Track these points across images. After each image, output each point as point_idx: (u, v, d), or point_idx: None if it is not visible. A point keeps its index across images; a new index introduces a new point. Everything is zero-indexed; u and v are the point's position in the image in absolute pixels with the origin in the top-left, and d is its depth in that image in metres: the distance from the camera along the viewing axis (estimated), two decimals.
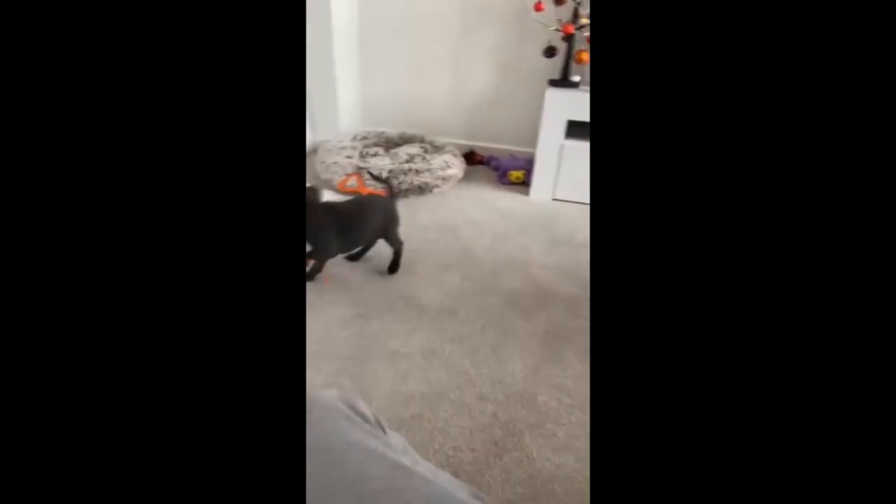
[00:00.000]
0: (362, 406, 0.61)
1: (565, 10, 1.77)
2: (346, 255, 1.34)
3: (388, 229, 1.29)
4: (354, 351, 1.00)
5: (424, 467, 0.54)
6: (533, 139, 1.92)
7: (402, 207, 1.75)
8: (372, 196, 1.33)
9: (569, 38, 1.76)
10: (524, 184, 2.00)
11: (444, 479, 0.49)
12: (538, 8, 1.73)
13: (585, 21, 1.71)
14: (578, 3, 1.72)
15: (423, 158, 1.99)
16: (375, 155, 2.01)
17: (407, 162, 1.94)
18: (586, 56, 1.71)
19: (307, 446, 0.49)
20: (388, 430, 0.63)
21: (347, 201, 1.28)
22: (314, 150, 2.36)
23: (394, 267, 1.31)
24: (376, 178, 1.47)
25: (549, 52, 1.81)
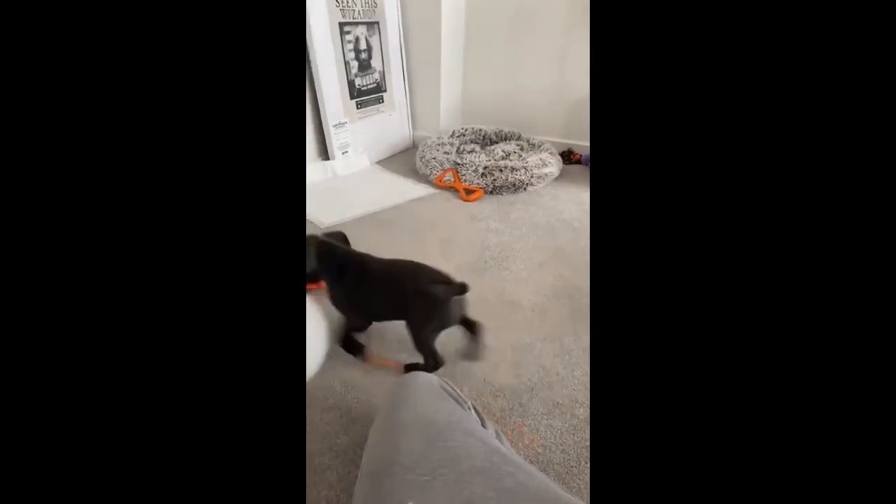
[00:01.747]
0: (459, 392, 0.64)
1: None
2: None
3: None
4: (446, 340, 1.03)
5: (518, 458, 0.55)
6: None
7: (496, 203, 1.75)
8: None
9: None
10: None
11: (538, 472, 0.49)
12: None
13: None
14: None
15: (519, 156, 1.98)
16: (472, 152, 2.05)
17: (503, 159, 1.94)
18: None
19: (411, 418, 0.53)
20: (484, 418, 0.64)
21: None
22: (414, 146, 2.47)
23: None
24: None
25: None
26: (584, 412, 0.84)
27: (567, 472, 0.73)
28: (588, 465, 0.74)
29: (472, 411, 0.63)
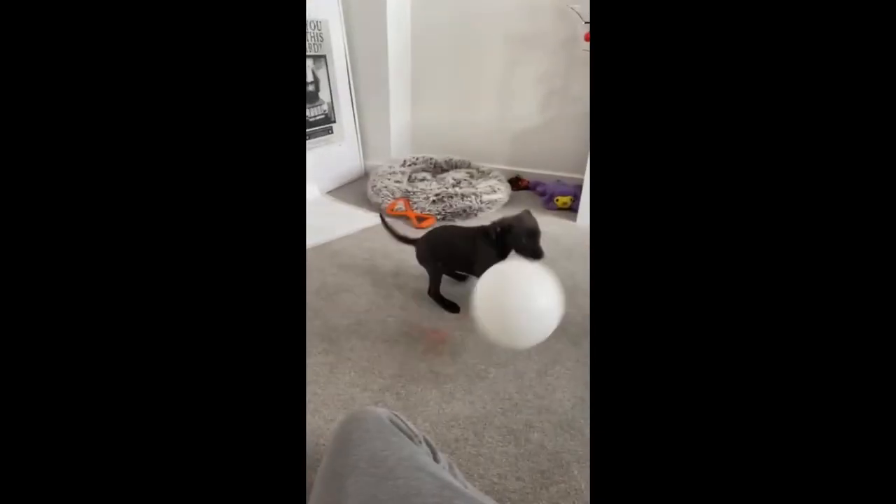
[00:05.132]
0: (410, 425, 0.62)
1: None
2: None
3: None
4: (400, 370, 1.01)
5: (472, 491, 0.54)
6: (580, 165, 1.91)
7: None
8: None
9: None
10: (571, 209, 1.98)
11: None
12: (588, 38, 1.76)
13: None
14: None
15: (469, 183, 2.03)
16: (423, 180, 2.07)
17: (453, 186, 1.98)
18: None
19: (359, 458, 0.51)
20: (437, 450, 0.63)
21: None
22: (366, 175, 2.47)
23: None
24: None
25: None
26: (538, 436, 0.84)
27: (522, 500, 0.72)
28: (543, 490, 0.74)
29: (424, 444, 0.61)
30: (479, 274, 1.16)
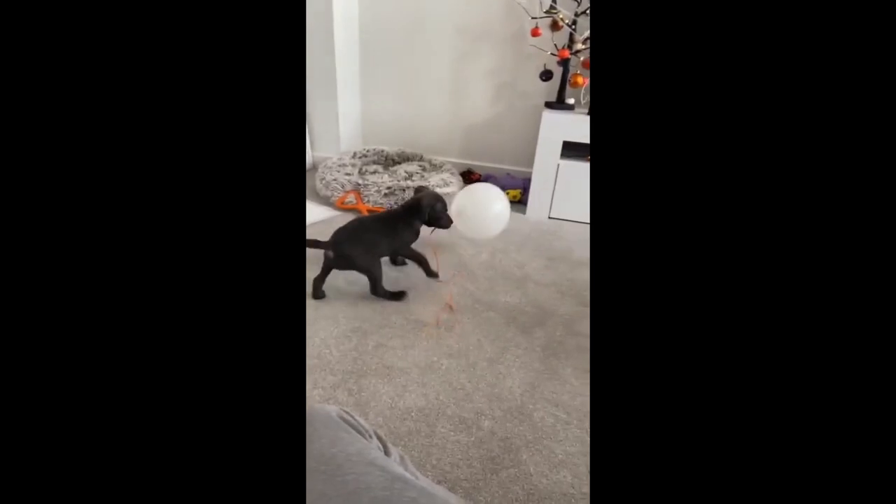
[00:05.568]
0: (361, 420, 0.62)
1: (561, 36, 1.84)
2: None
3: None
4: (352, 366, 1.00)
5: (423, 482, 0.54)
6: (529, 159, 1.96)
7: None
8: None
9: (564, 63, 1.82)
10: (520, 202, 2.03)
11: (443, 493, 0.49)
12: (535, 33, 1.79)
13: (580, 46, 1.77)
14: (574, 29, 1.78)
15: (422, 176, 2.02)
16: (374, 172, 2.04)
17: (405, 179, 1.97)
18: (581, 80, 1.76)
19: (307, 458, 0.50)
20: (388, 444, 0.63)
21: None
22: (314, 167, 2.39)
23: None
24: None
25: (546, 75, 1.87)
26: (488, 424, 0.86)
27: (474, 487, 0.74)
28: (493, 475, 0.76)
29: (375, 439, 0.61)
30: (406, 252, 1.37)
